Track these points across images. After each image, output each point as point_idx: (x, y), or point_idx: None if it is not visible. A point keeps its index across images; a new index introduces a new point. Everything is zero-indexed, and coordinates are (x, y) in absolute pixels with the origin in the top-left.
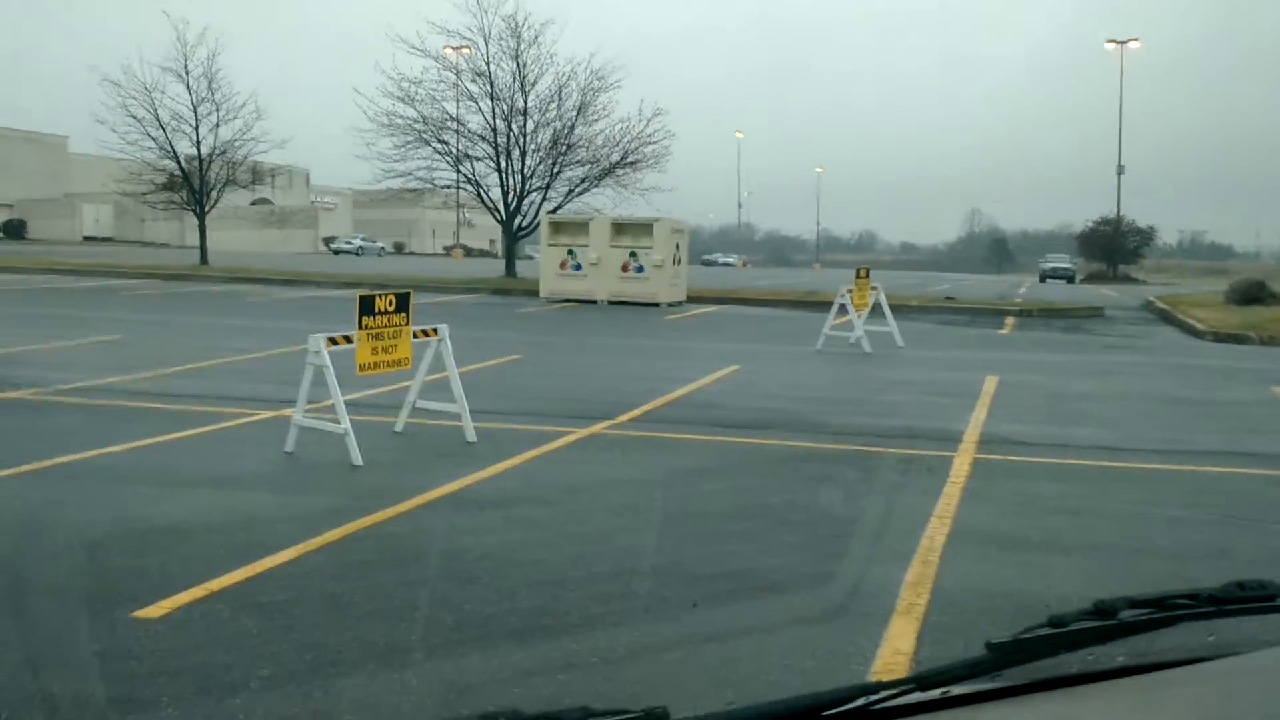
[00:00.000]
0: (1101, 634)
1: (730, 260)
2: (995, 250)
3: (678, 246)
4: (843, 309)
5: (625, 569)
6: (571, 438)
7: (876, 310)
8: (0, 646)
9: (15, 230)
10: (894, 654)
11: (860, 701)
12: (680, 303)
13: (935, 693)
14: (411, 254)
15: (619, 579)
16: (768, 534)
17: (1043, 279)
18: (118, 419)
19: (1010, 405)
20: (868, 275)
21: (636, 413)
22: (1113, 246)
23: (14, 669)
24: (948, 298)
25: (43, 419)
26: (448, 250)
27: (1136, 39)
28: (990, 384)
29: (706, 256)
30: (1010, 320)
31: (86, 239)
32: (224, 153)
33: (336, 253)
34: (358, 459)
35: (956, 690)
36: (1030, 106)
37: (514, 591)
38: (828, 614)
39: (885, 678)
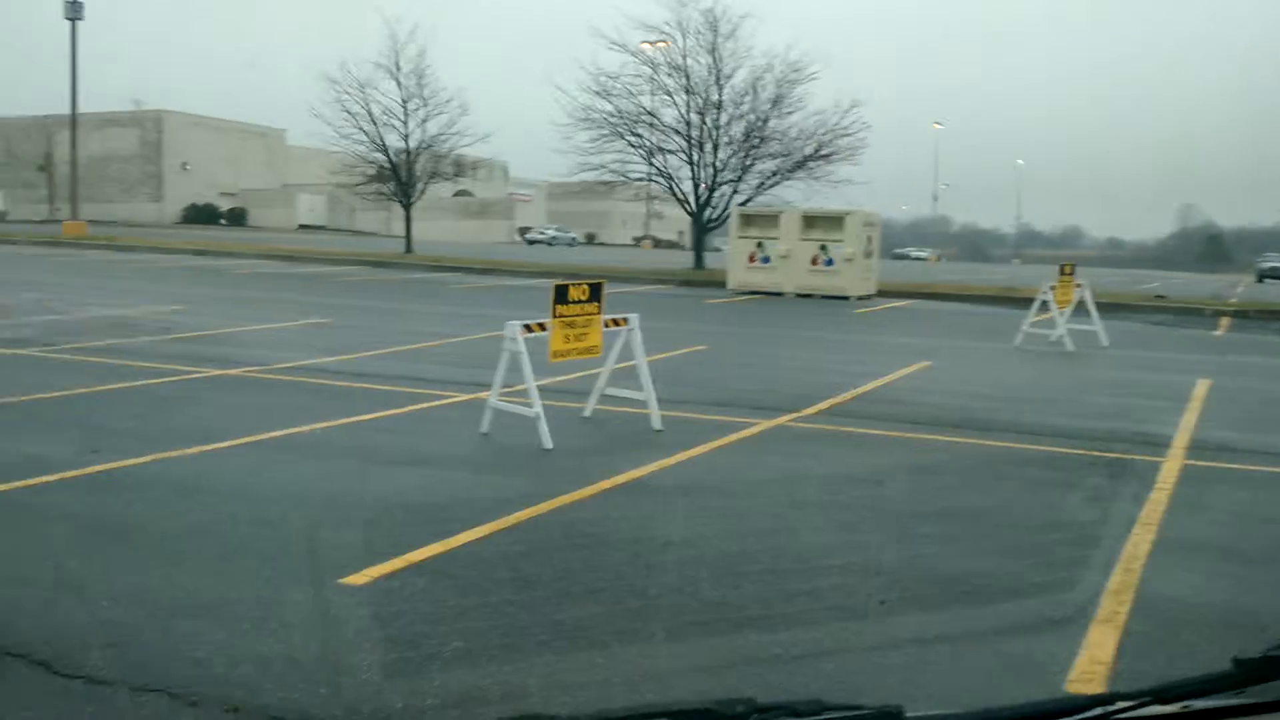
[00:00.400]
0: None
1: (923, 254)
2: (1209, 248)
3: (869, 240)
4: (1044, 305)
5: (811, 565)
6: (757, 429)
7: (1080, 308)
8: (216, 608)
9: (237, 218)
10: (1092, 663)
11: (1096, 711)
12: (870, 297)
13: (1174, 706)
14: (602, 245)
15: (805, 574)
16: (960, 535)
17: (1260, 279)
18: (328, 397)
19: (1223, 410)
20: (1072, 271)
21: (823, 406)
22: None
23: (229, 629)
24: (1157, 296)
25: (261, 395)
26: (637, 241)
27: None
28: (1201, 387)
29: (898, 250)
30: (1225, 321)
31: (301, 227)
32: (430, 146)
33: (531, 243)
34: (548, 442)
35: (1196, 705)
36: (1250, 98)
37: (698, 580)
38: (1024, 619)
39: (1083, 687)
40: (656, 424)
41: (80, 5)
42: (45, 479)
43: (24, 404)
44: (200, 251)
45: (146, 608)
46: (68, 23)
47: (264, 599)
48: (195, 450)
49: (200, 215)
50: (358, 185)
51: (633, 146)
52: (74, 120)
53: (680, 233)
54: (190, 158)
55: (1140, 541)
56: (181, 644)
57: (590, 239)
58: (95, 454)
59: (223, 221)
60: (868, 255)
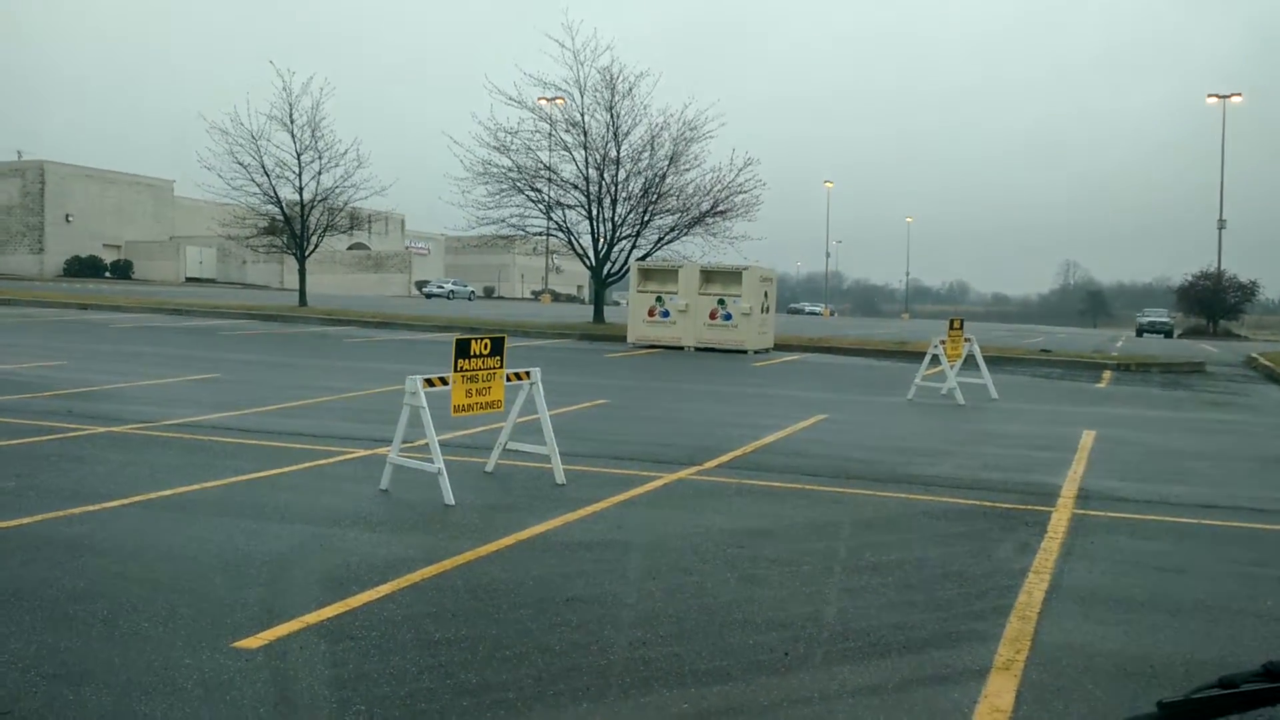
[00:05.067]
0: (1273, 696)
1: (816, 309)
2: (1091, 303)
3: (766, 294)
4: (935, 359)
5: (716, 619)
6: (659, 483)
7: (969, 362)
8: (105, 671)
9: (122, 270)
10: (992, 712)
11: None
12: (767, 350)
13: None
14: (501, 298)
15: (709, 629)
16: (862, 587)
17: (1140, 333)
18: (219, 454)
19: (1109, 460)
20: (961, 326)
21: (724, 459)
22: (1213, 301)
23: (118, 693)
24: (1043, 350)
25: (149, 453)
26: (536, 295)
27: (1239, 94)
28: (1088, 438)
29: (793, 305)
30: (1107, 374)
31: (189, 280)
32: (325, 199)
33: (429, 296)
34: (450, 498)
35: None
36: (1130, 158)
37: (603, 637)
38: (923, 669)
39: None
40: (560, 478)
41: None
42: None
43: None
44: (84, 305)
45: (27, 675)
46: None
47: (153, 664)
48: (81, 510)
49: (84, 268)
50: (249, 238)
51: (532, 201)
52: None
53: (580, 287)
54: (75, 209)
55: (1034, 590)
56: (67, 711)
57: (489, 292)
58: None
59: (108, 274)
60: (764, 310)
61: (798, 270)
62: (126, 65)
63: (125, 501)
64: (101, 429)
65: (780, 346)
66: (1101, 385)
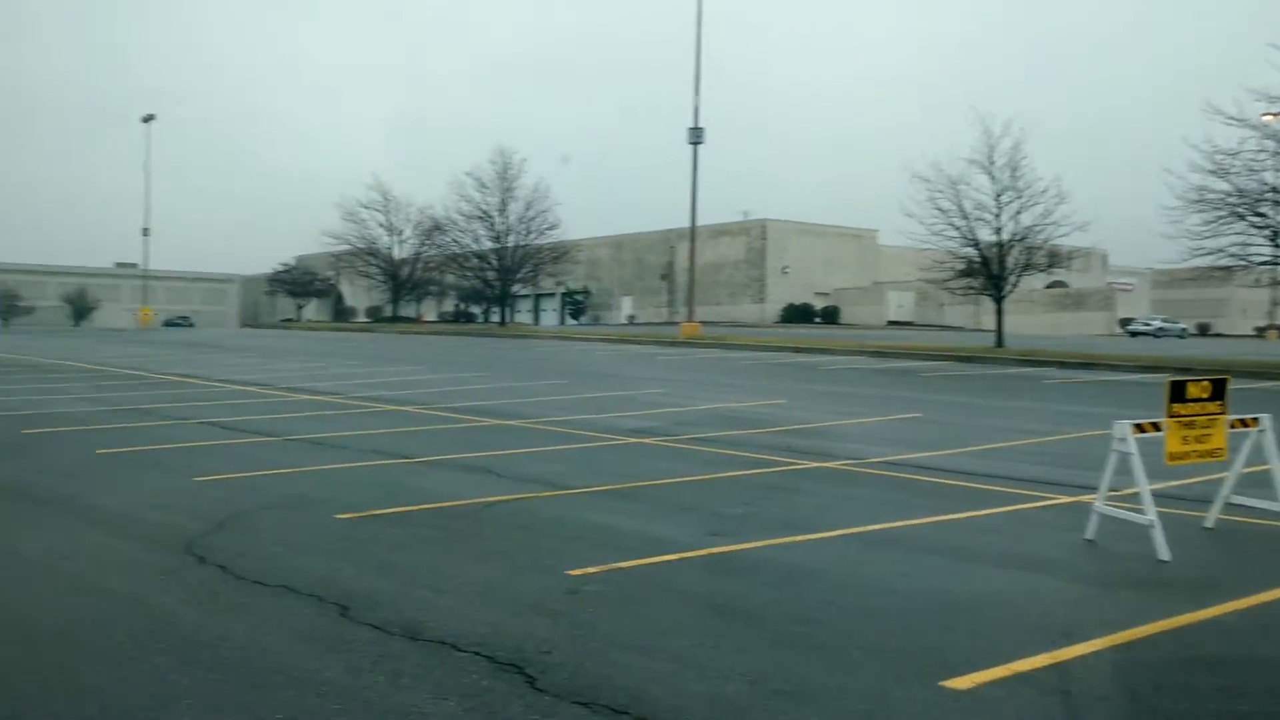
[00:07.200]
0: None
1: None
2: None
3: None
4: None
5: None
6: None
7: None
8: (823, 694)
9: (830, 315)
10: None
11: None
12: None
13: None
14: (1218, 335)
15: None
16: None
17: None
18: (919, 493)
19: None
20: None
21: None
22: None
23: (832, 717)
24: None
25: (855, 488)
26: (1260, 331)
27: None
28: None
29: None
30: None
31: (890, 323)
32: (1024, 238)
33: (1133, 334)
34: (1165, 553)
35: None
36: None
37: None
38: None
39: None
40: None
41: (701, 131)
42: (669, 558)
43: (644, 489)
44: (797, 349)
45: (757, 689)
46: (690, 147)
47: (867, 693)
48: (796, 539)
49: (796, 314)
50: (947, 280)
51: (1255, 228)
52: (693, 233)
53: None
54: (790, 261)
55: None
56: None
57: (1203, 329)
58: (713, 537)
59: (816, 320)
60: None
61: None
62: (835, 124)
63: (834, 533)
64: (814, 464)
65: None
66: None
